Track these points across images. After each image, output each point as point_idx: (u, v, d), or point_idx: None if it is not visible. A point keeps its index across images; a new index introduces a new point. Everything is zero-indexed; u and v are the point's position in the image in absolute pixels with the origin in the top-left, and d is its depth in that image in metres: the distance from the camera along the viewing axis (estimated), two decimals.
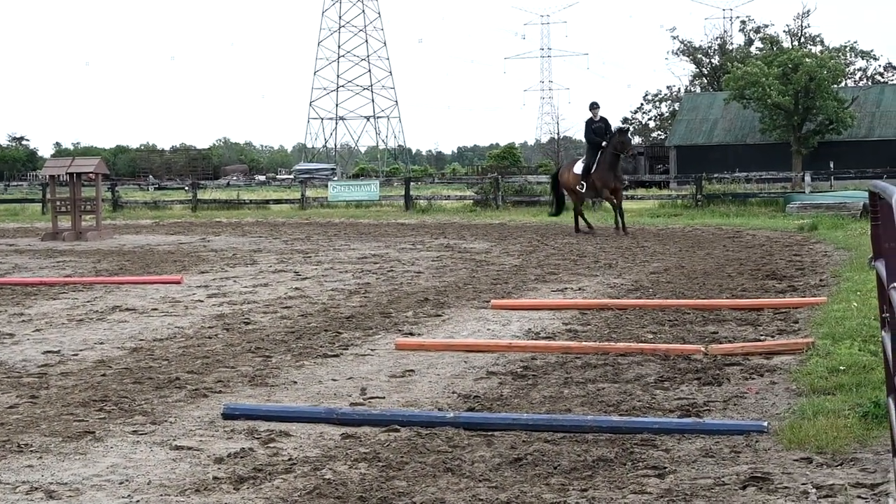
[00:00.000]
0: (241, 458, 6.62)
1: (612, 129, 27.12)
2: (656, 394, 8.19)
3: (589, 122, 26.64)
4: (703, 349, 9.69)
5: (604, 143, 25.99)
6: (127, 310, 13.46)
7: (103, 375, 9.28)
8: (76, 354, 10.36)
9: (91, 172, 29.17)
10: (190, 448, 6.88)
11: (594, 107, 26.86)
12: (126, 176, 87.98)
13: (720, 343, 10.14)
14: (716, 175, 41.78)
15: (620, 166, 26.35)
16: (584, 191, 26.43)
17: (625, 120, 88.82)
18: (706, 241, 22.92)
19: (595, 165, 25.92)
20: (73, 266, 19.91)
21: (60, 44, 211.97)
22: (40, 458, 6.70)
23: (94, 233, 27.60)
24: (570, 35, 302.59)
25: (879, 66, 79.06)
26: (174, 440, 7.09)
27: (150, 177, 70.24)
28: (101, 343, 11.02)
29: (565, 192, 28.13)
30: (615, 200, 26.17)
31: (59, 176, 29.80)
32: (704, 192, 35.68)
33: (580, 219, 26.65)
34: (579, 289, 15.01)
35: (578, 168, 26.64)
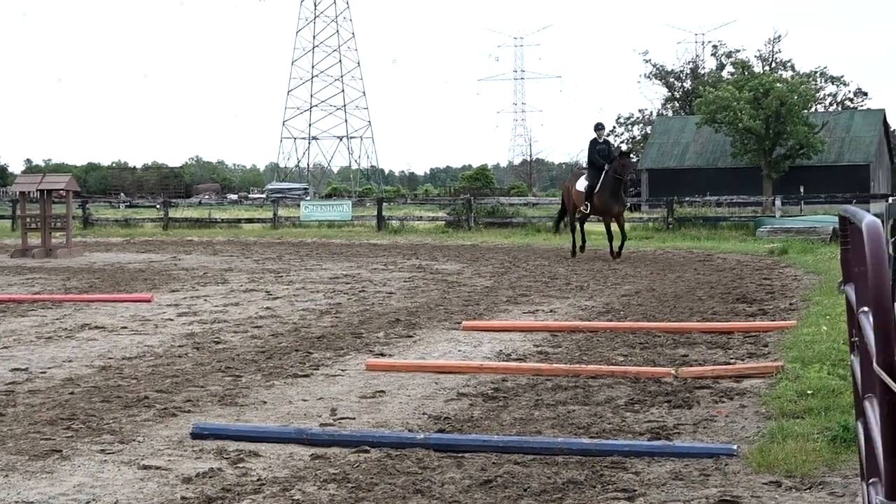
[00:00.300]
0: (210, 478, 6.58)
1: (614, 151, 26.38)
2: (626, 416, 8.20)
3: (593, 143, 25.79)
4: (673, 372, 9.71)
5: (606, 167, 25.07)
6: (96, 328, 13.38)
7: (71, 394, 9.21)
8: (44, 372, 10.29)
9: (62, 189, 29.01)
10: (158, 468, 6.84)
11: (599, 128, 26.21)
12: (97, 193, 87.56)
13: (690, 366, 10.17)
14: (687, 198, 41.94)
15: (623, 190, 25.32)
16: (587, 211, 25.38)
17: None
18: (677, 265, 23.01)
19: (597, 188, 25.03)
20: (43, 283, 19.79)
21: (32, 60, 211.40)
22: (6, 476, 6.64)
23: (64, 250, 27.45)
24: (543, 57, 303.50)
25: (849, 91, 79.70)
26: (142, 459, 7.04)
27: (122, 194, 69.95)
28: (70, 361, 10.95)
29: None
30: (616, 225, 25.29)
31: (29, 192, 29.60)
32: (676, 216, 35.82)
33: (574, 238, 25.92)
34: (550, 311, 15.03)
35: (581, 185, 25.61)
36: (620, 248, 24.76)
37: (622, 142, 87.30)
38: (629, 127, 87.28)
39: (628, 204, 29.80)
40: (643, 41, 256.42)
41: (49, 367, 10.55)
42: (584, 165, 27.25)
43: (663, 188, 62.21)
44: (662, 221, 35.80)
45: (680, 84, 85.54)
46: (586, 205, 25.22)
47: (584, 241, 26.07)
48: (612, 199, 24.91)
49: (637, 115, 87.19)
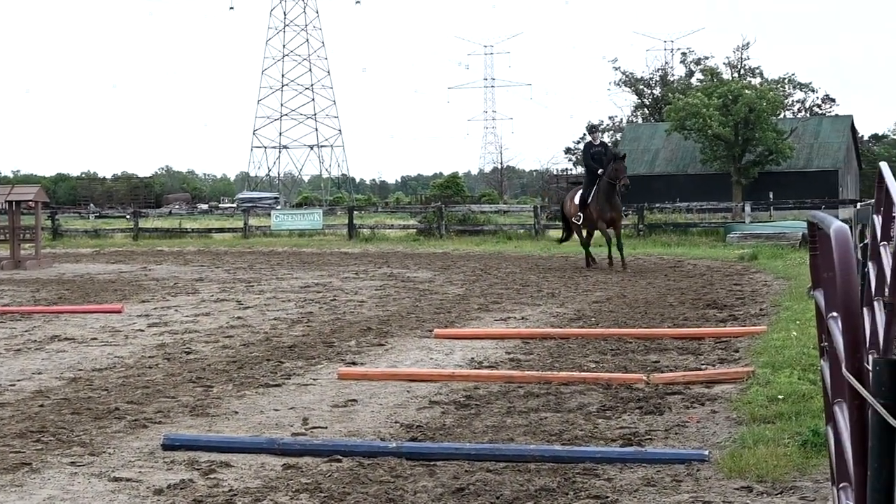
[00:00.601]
0: (181, 489, 6.55)
1: (610, 154, 24.21)
2: (598, 423, 8.21)
3: (587, 147, 24.49)
4: (644, 378, 9.73)
5: (600, 171, 23.52)
6: (66, 339, 13.30)
7: (41, 406, 9.15)
8: (13, 385, 10.22)
9: (30, 200, 28.86)
10: (129, 479, 6.80)
11: (593, 130, 24.93)
12: (67, 204, 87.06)
13: (662, 372, 10.19)
14: (657, 205, 42.10)
15: (618, 196, 23.60)
16: (580, 222, 23.93)
17: (567, 150, 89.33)
18: (648, 271, 23.07)
19: (592, 195, 23.57)
20: (12, 295, 19.66)
21: None
22: None
23: (33, 261, 27.28)
24: (513, 65, 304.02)
25: (818, 98, 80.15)
26: (113, 471, 7.00)
27: (91, 205, 69.61)
28: (40, 373, 10.88)
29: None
30: (612, 233, 24.04)
31: None
32: (646, 222, 35.94)
33: (588, 252, 24.35)
34: (522, 318, 15.04)
35: (578, 198, 24.14)
36: (622, 257, 23.54)
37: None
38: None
39: (626, 212, 27.90)
40: (613, 49, 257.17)
41: (18, 380, 10.48)
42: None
43: (634, 195, 62.12)
44: (633, 228, 35.89)
45: (649, 91, 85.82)
46: (579, 216, 23.88)
47: (591, 259, 24.36)
48: (606, 205, 23.48)
49: (607, 122, 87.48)
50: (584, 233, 24.45)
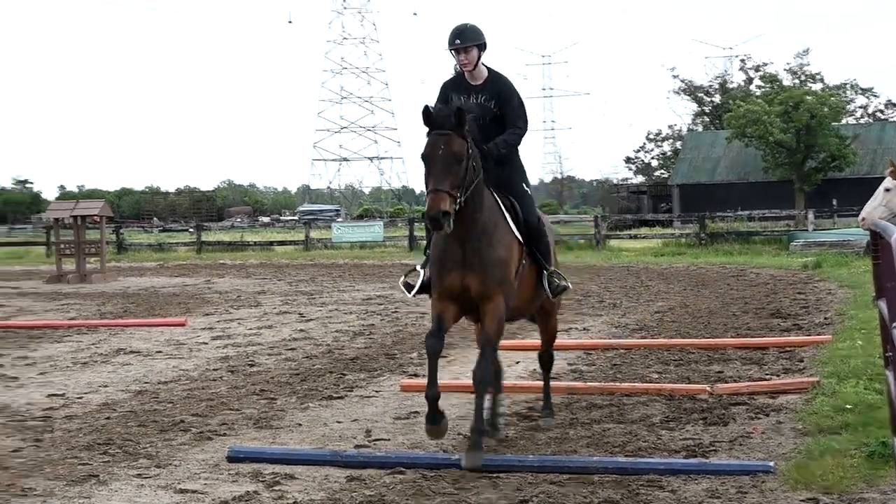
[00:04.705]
0: (246, 501, 6.61)
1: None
2: (662, 434, 8.17)
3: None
4: (708, 389, 9.67)
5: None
6: (131, 352, 13.46)
7: (108, 418, 9.27)
8: (81, 397, 10.36)
9: (95, 215, 29.21)
10: (194, 491, 6.87)
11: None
12: (131, 218, 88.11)
13: (725, 382, 10.12)
14: (719, 213, 41.78)
15: None
16: None
17: (628, 159, 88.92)
18: (710, 280, 22.91)
19: None
20: (78, 309, 19.91)
21: (64, 87, 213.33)
22: (44, 501, 6.69)
23: (98, 275, 27.62)
24: (571, 75, 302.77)
25: (880, 103, 79.12)
26: (178, 483, 7.07)
27: (155, 219, 70.32)
28: (106, 386, 11.02)
29: None
30: None
31: (63, 219, 29.85)
32: (708, 231, 35.67)
33: None
34: (584, 329, 15.00)
35: None
36: None
37: (653, 157, 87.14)
38: (659, 143, 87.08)
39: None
40: (671, 56, 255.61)
41: (86, 393, 10.62)
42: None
43: (695, 203, 61.94)
44: (695, 237, 35.66)
45: (709, 99, 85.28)
46: None
47: None
48: None
49: (667, 130, 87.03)
50: None
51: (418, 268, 8.10)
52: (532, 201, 8.18)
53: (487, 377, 7.61)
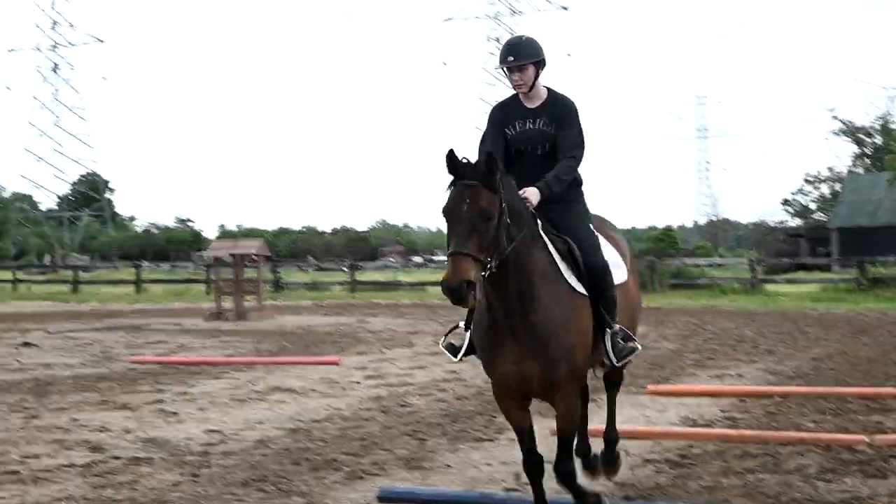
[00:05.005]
0: None
1: None
2: (818, 486, 7.99)
3: None
4: (867, 440, 9.42)
5: None
6: (286, 390, 13.69)
7: (263, 455, 9.45)
8: (237, 434, 10.58)
9: (253, 254, 29.88)
10: None
11: None
12: (288, 257, 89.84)
13: (885, 433, 9.84)
14: (880, 258, 40.72)
15: None
16: None
17: (785, 201, 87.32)
18: (870, 327, 22.31)
19: None
20: (235, 346, 20.35)
21: (225, 128, 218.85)
22: None
23: (255, 313, 28.22)
24: (726, 115, 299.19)
25: None
26: None
27: (310, 258, 71.56)
28: (261, 423, 11.23)
29: None
30: None
31: (222, 257, 30.60)
32: (868, 276, 34.77)
33: None
34: (738, 375, 14.75)
35: None
36: None
37: (811, 200, 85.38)
38: (817, 185, 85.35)
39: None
40: (829, 96, 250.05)
41: (241, 429, 10.84)
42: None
43: (854, 247, 60.48)
44: (854, 282, 34.79)
45: (870, 140, 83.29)
46: None
47: None
48: None
49: (826, 172, 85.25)
50: None
51: (461, 325, 7.10)
52: (597, 242, 6.95)
53: (572, 468, 7.01)
